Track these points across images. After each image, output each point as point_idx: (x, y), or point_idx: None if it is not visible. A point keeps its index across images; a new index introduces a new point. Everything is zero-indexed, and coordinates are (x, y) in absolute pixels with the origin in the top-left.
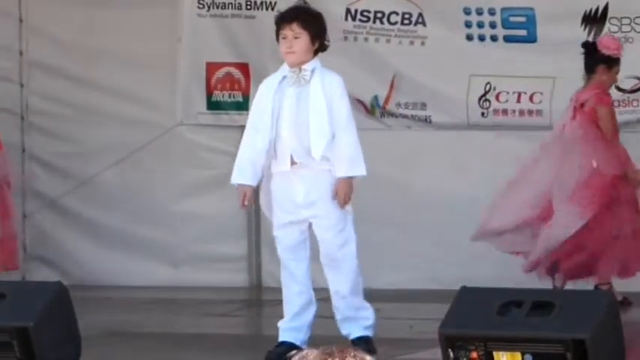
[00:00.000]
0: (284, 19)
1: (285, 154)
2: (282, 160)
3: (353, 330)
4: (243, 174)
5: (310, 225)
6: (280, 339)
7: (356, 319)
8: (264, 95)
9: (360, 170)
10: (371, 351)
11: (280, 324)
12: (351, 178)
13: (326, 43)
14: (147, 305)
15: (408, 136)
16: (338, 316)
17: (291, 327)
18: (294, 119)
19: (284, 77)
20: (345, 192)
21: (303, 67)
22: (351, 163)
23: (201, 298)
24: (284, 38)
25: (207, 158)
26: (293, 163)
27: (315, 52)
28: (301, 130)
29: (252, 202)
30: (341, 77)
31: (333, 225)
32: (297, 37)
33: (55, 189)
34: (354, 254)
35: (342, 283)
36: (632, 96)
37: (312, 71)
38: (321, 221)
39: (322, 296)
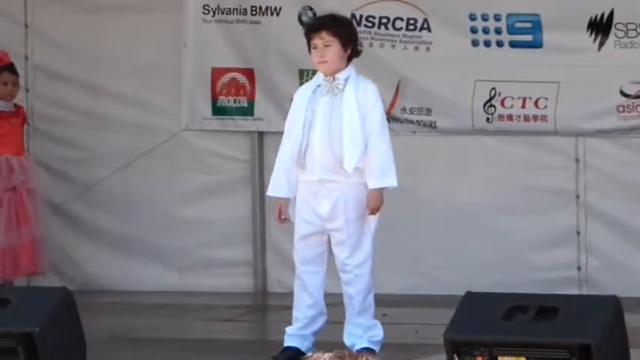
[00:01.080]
0: (312, 29)
1: (315, 164)
2: (311, 169)
3: (359, 342)
4: (278, 186)
5: (329, 237)
6: (286, 344)
7: (363, 337)
8: (298, 104)
9: (391, 181)
10: None
11: (288, 330)
12: (382, 189)
13: (359, 48)
14: (152, 310)
15: (413, 142)
16: (347, 329)
17: (299, 334)
18: (326, 129)
19: (318, 86)
20: (375, 204)
21: (337, 75)
22: (382, 173)
23: (207, 304)
24: (314, 48)
25: (212, 163)
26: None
27: (349, 59)
28: (334, 140)
29: (290, 216)
30: (375, 85)
31: (352, 243)
32: (327, 46)
33: (61, 194)
34: (367, 274)
35: (353, 299)
36: (637, 101)
37: (346, 80)
38: (341, 237)
39: (332, 301)
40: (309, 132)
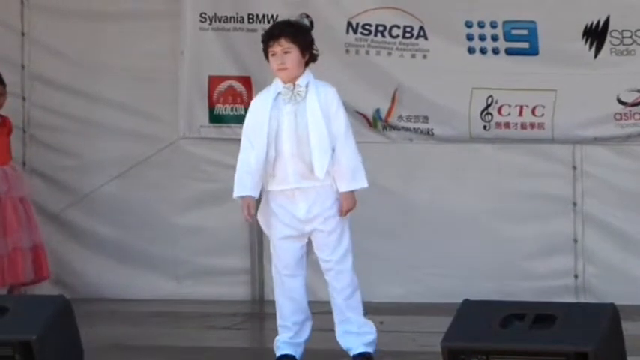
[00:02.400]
0: (271, 36)
1: (287, 172)
2: (283, 178)
3: (354, 345)
4: (243, 187)
5: (309, 241)
6: (280, 352)
7: (357, 335)
8: (259, 113)
9: (361, 183)
10: None
11: (279, 338)
12: (353, 191)
13: (314, 52)
14: (149, 318)
15: (410, 150)
16: (339, 330)
17: (290, 342)
18: (294, 137)
19: (278, 93)
20: (349, 206)
21: (297, 82)
22: (352, 176)
23: (204, 311)
24: (273, 55)
25: (209, 171)
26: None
27: (306, 64)
28: (302, 148)
29: (260, 222)
30: (334, 88)
31: (332, 241)
32: (287, 52)
33: (57, 202)
34: (350, 269)
35: (339, 294)
36: (634, 109)
37: (307, 85)
38: (321, 236)
39: (320, 309)
40: (277, 141)
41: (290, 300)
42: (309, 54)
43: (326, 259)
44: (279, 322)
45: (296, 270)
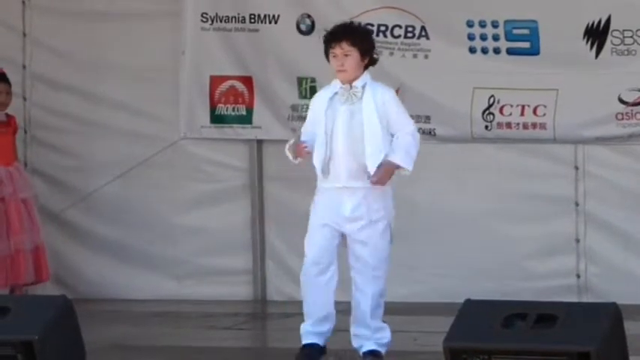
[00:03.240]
0: (333, 38)
1: (340, 171)
2: (335, 176)
3: (366, 345)
4: (290, 142)
5: (342, 241)
6: (305, 341)
7: (372, 336)
8: (316, 111)
9: (407, 164)
10: None
11: (304, 327)
12: (397, 167)
13: (375, 57)
14: (151, 318)
15: None
16: (354, 331)
17: (314, 332)
18: (349, 137)
19: (335, 93)
20: (380, 176)
21: (354, 83)
22: (404, 154)
23: (206, 312)
24: (334, 57)
25: (210, 172)
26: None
27: (365, 67)
28: (356, 147)
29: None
30: (392, 89)
31: (372, 245)
32: (347, 55)
33: (59, 202)
34: (383, 276)
35: (368, 300)
36: (635, 109)
37: (363, 87)
38: (361, 238)
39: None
40: (332, 140)
41: (315, 293)
42: (369, 57)
43: (365, 261)
44: (305, 309)
45: (324, 260)
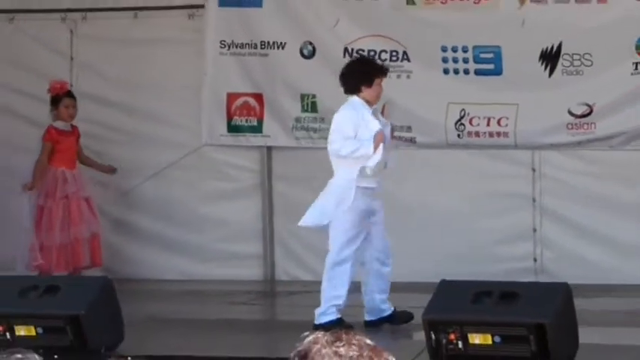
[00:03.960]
0: (383, 72)
1: (375, 173)
2: (372, 177)
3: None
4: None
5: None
6: (335, 317)
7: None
8: (367, 121)
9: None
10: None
11: (331, 306)
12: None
13: None
14: (180, 296)
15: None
16: (383, 296)
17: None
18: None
19: (364, 111)
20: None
21: (375, 105)
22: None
23: (225, 290)
24: (378, 85)
25: (228, 173)
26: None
27: None
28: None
29: None
30: None
31: (383, 228)
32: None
33: (102, 199)
34: None
35: (386, 283)
36: (583, 120)
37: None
38: (381, 227)
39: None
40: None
41: (343, 279)
42: None
43: (387, 245)
44: (333, 293)
45: (355, 258)
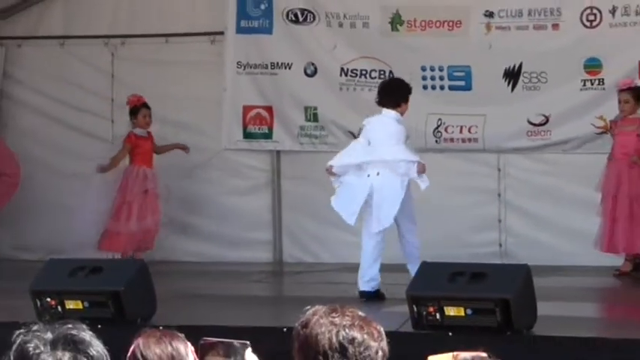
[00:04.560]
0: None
1: None
2: None
3: None
4: None
5: None
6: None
7: None
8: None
9: None
10: None
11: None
12: None
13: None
14: (202, 275)
15: None
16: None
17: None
18: None
19: None
20: None
21: None
22: None
23: (241, 270)
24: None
25: (244, 172)
26: None
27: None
28: None
29: None
30: None
31: None
32: None
33: None
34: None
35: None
36: (540, 128)
37: None
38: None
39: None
40: None
41: (379, 257)
42: None
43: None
44: (375, 269)
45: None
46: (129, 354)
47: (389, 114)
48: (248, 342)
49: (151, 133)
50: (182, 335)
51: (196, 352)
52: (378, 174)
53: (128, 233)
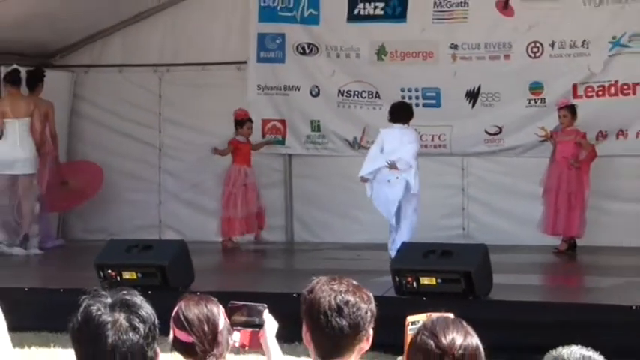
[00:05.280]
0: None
1: None
2: None
3: None
4: None
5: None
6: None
7: None
8: None
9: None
10: None
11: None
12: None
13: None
14: (229, 252)
15: None
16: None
17: None
18: None
19: None
20: None
21: None
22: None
23: (258, 247)
24: None
25: (262, 171)
26: None
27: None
28: None
29: None
30: None
31: None
32: None
33: (177, 188)
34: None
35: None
36: (495, 137)
37: None
38: None
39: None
40: None
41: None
42: None
43: None
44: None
45: None
46: (173, 314)
47: (408, 127)
48: (265, 305)
49: (250, 140)
50: (215, 299)
51: (225, 312)
52: (397, 178)
53: (237, 219)
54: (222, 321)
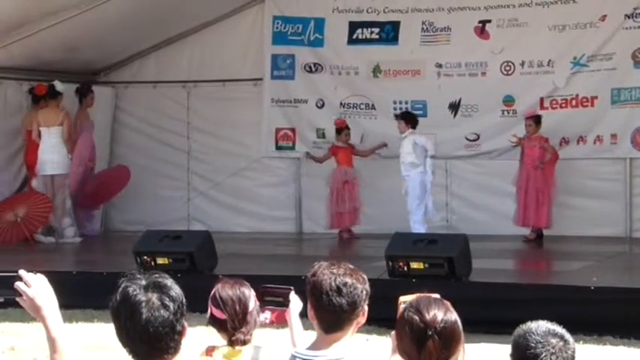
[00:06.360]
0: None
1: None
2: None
3: None
4: None
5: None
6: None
7: None
8: None
9: None
10: None
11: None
12: None
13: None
14: (246, 241)
15: (372, 162)
16: None
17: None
18: None
19: None
20: None
21: None
22: None
23: (272, 238)
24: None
25: (276, 172)
26: None
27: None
28: None
29: None
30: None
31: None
32: None
33: (203, 186)
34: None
35: None
36: (474, 143)
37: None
38: None
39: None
40: None
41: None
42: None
43: None
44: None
45: None
46: (211, 294)
47: (415, 133)
48: (292, 287)
49: (351, 144)
50: (248, 284)
51: (257, 294)
52: (408, 176)
53: (343, 212)
54: (253, 303)
